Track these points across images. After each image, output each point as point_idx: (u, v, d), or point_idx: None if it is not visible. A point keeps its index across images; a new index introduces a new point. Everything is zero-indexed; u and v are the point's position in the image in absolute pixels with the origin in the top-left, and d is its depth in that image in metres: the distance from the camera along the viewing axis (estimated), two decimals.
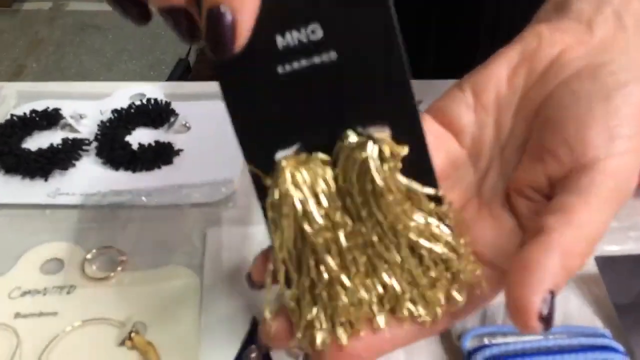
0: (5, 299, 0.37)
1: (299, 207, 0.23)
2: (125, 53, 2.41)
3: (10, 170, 0.45)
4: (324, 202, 0.23)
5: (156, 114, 0.50)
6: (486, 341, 0.35)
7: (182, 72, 1.90)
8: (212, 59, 0.22)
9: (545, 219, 0.22)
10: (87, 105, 0.51)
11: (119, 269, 0.39)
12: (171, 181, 0.45)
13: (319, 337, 0.24)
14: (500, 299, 0.37)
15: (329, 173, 0.23)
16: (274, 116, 0.23)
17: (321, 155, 0.23)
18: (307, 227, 0.23)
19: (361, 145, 0.23)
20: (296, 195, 0.23)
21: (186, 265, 0.39)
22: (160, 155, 0.46)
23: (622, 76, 0.24)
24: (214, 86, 0.56)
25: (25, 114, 0.49)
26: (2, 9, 2.72)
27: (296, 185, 0.23)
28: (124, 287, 0.38)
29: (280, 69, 0.23)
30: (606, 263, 0.38)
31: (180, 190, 0.44)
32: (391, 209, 0.23)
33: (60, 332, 0.35)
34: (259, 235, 0.42)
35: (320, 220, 0.23)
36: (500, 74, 0.27)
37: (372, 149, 0.23)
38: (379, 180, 0.23)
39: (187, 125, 0.50)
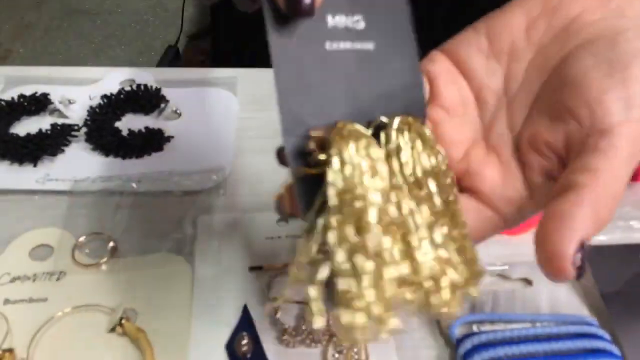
0: None
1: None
2: (114, 39, 2.38)
3: None
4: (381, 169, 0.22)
5: (146, 100, 0.49)
6: (475, 329, 0.35)
7: (172, 58, 1.88)
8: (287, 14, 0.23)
9: (574, 177, 0.23)
10: (76, 90, 0.51)
11: (109, 255, 0.39)
12: (161, 168, 0.45)
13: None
14: (488, 288, 0.38)
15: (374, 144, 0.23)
16: (316, 88, 0.24)
17: (363, 129, 0.23)
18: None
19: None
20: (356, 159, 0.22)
21: (177, 253, 0.39)
22: (150, 142, 0.46)
23: (637, 44, 0.24)
24: (205, 72, 0.56)
25: (13, 98, 0.48)
26: None
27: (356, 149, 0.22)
28: (115, 273, 0.38)
29: (328, 45, 0.24)
30: (594, 253, 0.38)
31: (170, 178, 0.44)
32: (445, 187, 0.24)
33: (51, 318, 0.35)
34: (249, 223, 0.42)
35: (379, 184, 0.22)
36: (518, 23, 0.27)
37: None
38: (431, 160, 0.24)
39: (178, 111, 0.50)
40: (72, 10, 2.55)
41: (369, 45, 0.25)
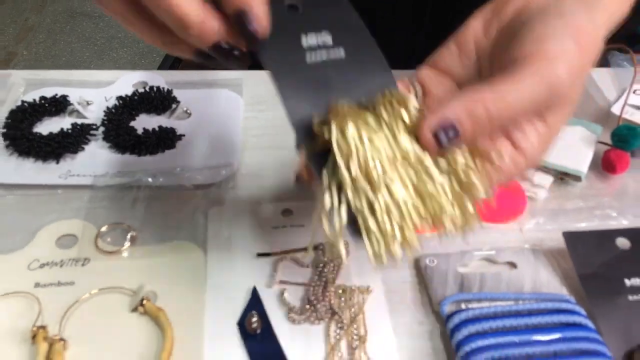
0: (25, 270, 0.40)
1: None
2: (116, 41, 2.42)
3: (23, 153, 0.48)
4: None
5: (159, 101, 0.53)
6: (463, 306, 0.38)
7: (173, 60, 1.91)
8: (251, 49, 0.28)
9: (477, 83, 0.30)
10: (93, 92, 0.54)
11: (129, 243, 0.42)
12: (174, 164, 0.48)
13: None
14: (476, 271, 0.41)
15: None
16: (308, 91, 0.30)
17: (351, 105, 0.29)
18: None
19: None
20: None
21: (191, 241, 0.43)
22: (163, 140, 0.50)
23: (567, 9, 0.31)
24: (212, 75, 0.59)
25: (34, 100, 0.52)
26: None
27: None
28: (135, 259, 0.41)
29: (308, 59, 0.30)
30: (572, 238, 0.42)
31: (183, 173, 0.48)
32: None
33: (78, 299, 0.38)
34: (257, 214, 0.45)
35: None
36: (477, 27, 0.34)
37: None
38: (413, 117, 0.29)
39: (188, 111, 0.53)
40: (74, 12, 2.58)
41: (341, 54, 0.31)
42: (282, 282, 0.41)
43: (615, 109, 0.53)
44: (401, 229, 0.27)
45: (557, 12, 0.31)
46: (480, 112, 0.28)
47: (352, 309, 0.39)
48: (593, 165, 0.49)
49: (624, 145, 0.48)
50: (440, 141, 0.28)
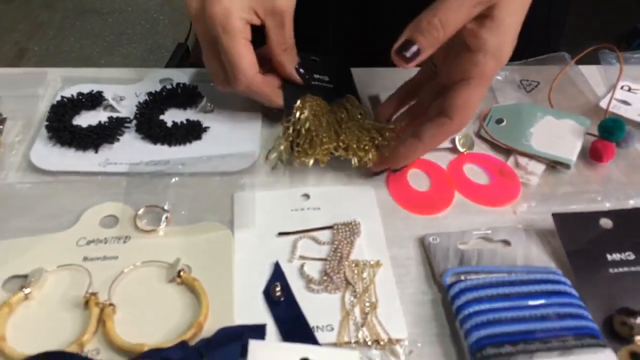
0: (74, 246, 0.45)
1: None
2: (125, 37, 2.47)
3: (65, 144, 0.53)
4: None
5: (185, 96, 0.58)
6: (462, 277, 0.44)
7: (182, 55, 1.96)
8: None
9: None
10: (124, 88, 0.59)
11: (165, 224, 0.47)
12: (201, 153, 0.53)
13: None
14: (474, 247, 0.46)
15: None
16: (301, 92, 0.55)
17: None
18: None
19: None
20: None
21: (219, 222, 0.48)
22: (191, 132, 0.55)
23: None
24: None
25: (72, 95, 0.57)
26: None
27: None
28: (170, 238, 0.46)
29: (312, 82, 0.57)
30: (561, 218, 0.47)
31: (210, 161, 0.53)
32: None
33: (123, 271, 0.43)
34: (278, 198, 0.50)
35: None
36: None
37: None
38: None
39: (211, 106, 0.58)
40: (84, 9, 2.63)
41: (331, 86, 0.58)
42: (301, 257, 0.46)
43: (603, 103, 0.58)
44: (314, 150, 0.50)
45: None
46: (424, 26, 0.42)
47: (364, 281, 0.44)
48: (581, 155, 0.54)
49: (610, 136, 0.53)
50: (405, 57, 0.44)
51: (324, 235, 0.47)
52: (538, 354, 0.38)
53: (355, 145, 0.51)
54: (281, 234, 0.48)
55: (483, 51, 0.44)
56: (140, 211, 0.48)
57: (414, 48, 0.44)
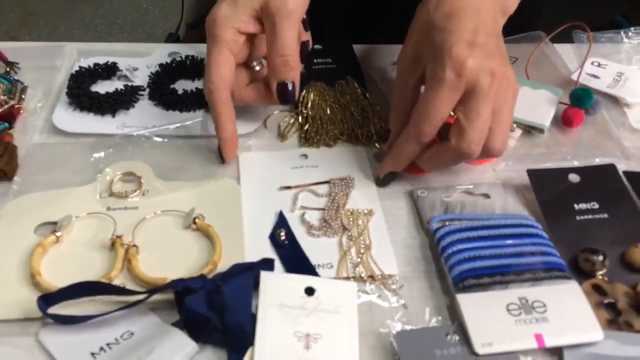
0: (98, 198, 0.50)
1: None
2: (116, 27, 2.49)
3: (85, 108, 0.57)
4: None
5: (193, 68, 0.63)
6: (447, 224, 0.49)
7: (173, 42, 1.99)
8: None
9: None
10: (135, 61, 0.64)
11: (181, 178, 0.52)
12: (210, 117, 0.58)
13: None
14: (457, 199, 0.51)
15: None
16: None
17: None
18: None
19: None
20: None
21: (229, 177, 0.53)
22: (200, 99, 0.59)
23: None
24: None
25: (89, 66, 0.61)
26: None
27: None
28: (185, 191, 0.51)
29: (314, 66, 0.63)
30: (534, 174, 0.53)
31: None
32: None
33: (144, 218, 0.48)
34: (279, 157, 0.55)
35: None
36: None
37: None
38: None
39: None
40: None
41: (334, 66, 0.64)
42: (302, 207, 0.51)
43: (574, 76, 0.63)
44: (321, 136, 0.57)
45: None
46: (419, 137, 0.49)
47: (359, 227, 0.49)
48: (554, 121, 0.59)
49: (580, 103, 0.59)
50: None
51: (322, 189, 0.53)
52: (512, 285, 0.44)
53: (359, 132, 0.58)
54: (283, 188, 0.53)
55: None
56: (157, 167, 0.53)
57: (387, 134, 0.53)
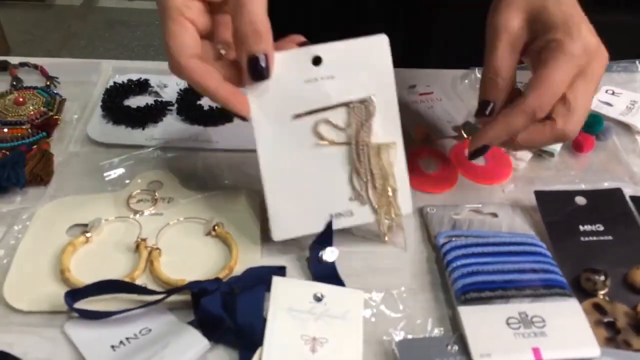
0: (126, 204, 0.54)
1: None
2: (152, 49, 2.59)
3: (117, 121, 0.62)
4: None
5: None
6: (454, 239, 0.51)
7: None
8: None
9: None
10: (167, 78, 0.68)
11: (203, 188, 0.55)
12: (232, 133, 0.62)
13: None
14: (465, 217, 0.53)
15: None
16: None
17: None
18: None
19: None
20: None
21: (246, 188, 0.56)
22: (224, 115, 0.63)
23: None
24: None
25: (123, 82, 0.66)
26: (36, 3, 2.90)
27: None
28: (207, 199, 0.54)
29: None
30: (542, 195, 0.54)
31: (238, 139, 0.61)
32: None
33: (167, 224, 0.52)
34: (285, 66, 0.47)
35: None
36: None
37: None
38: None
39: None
40: (113, 21, 2.76)
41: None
42: (323, 140, 0.48)
43: None
44: None
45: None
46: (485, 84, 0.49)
47: (380, 164, 0.49)
48: (565, 146, 0.61)
49: (590, 129, 0.61)
50: (487, 115, 0.50)
51: (340, 117, 0.48)
52: (513, 299, 0.45)
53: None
54: (297, 116, 0.47)
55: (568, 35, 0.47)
56: (181, 178, 0.56)
57: (489, 106, 0.50)
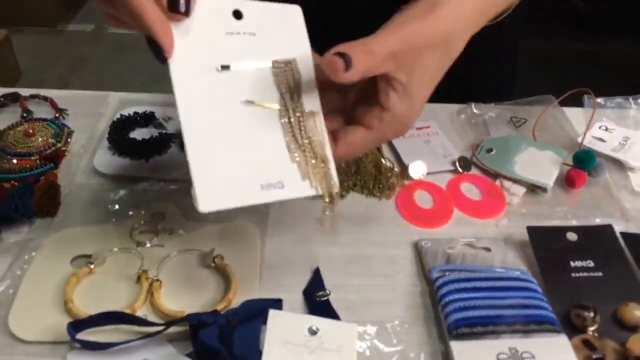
0: (129, 235, 0.55)
1: None
2: (161, 73, 2.61)
3: (123, 153, 0.63)
4: None
5: None
6: (447, 273, 0.52)
7: None
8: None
9: None
10: (172, 111, 0.70)
11: (204, 220, 0.57)
12: None
13: None
14: (459, 251, 0.55)
15: None
16: None
17: None
18: None
19: None
20: None
21: (249, 221, 0.57)
22: None
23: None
24: None
25: (129, 114, 0.68)
26: (48, 28, 2.96)
27: None
28: (208, 232, 0.56)
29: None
30: (534, 230, 0.56)
31: None
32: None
33: (168, 255, 0.53)
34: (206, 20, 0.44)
35: None
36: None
37: None
38: None
39: None
40: (123, 45, 2.81)
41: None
42: (252, 102, 0.44)
43: (580, 139, 0.67)
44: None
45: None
46: (358, 47, 0.42)
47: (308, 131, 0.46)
48: (558, 181, 0.62)
49: (582, 165, 0.62)
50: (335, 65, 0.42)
51: (265, 76, 0.45)
52: (504, 335, 0.46)
53: (371, 186, 0.61)
54: (223, 67, 0.43)
55: (391, 113, 0.45)
56: (183, 209, 0.58)
57: (347, 62, 0.41)
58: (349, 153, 0.47)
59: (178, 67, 0.41)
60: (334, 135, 0.47)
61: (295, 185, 0.44)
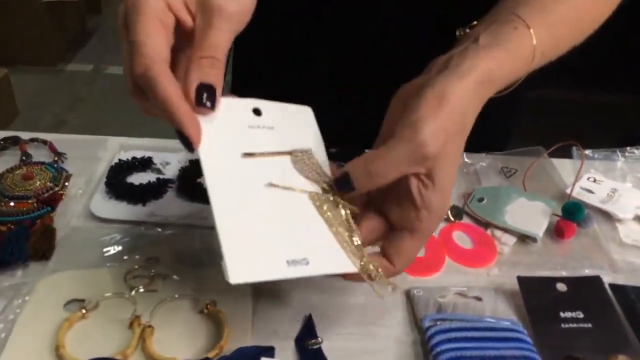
0: (123, 279, 0.56)
1: None
2: None
3: (120, 197, 0.64)
4: None
5: None
6: (439, 323, 0.53)
7: None
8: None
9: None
10: (169, 156, 0.72)
11: (199, 265, 0.58)
12: None
13: None
14: (450, 300, 0.55)
15: None
16: None
17: None
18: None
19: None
20: None
21: None
22: None
23: (437, 80, 0.45)
24: None
25: (127, 159, 0.69)
26: (48, 68, 3.00)
27: None
28: (203, 277, 0.56)
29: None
30: (524, 281, 0.56)
31: None
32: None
33: (162, 301, 0.53)
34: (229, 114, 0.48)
35: None
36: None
37: None
38: None
39: None
40: (121, 87, 2.85)
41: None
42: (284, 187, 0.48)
43: (569, 190, 0.68)
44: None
45: (429, 84, 0.44)
46: (360, 170, 0.45)
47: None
48: (548, 231, 0.64)
49: (571, 216, 0.63)
50: (340, 187, 0.47)
51: (286, 163, 0.49)
52: None
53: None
54: (246, 155, 0.47)
55: (428, 209, 0.46)
56: (178, 254, 0.58)
57: (349, 184, 0.46)
58: (407, 263, 0.49)
59: (206, 153, 0.45)
60: (381, 248, 0.49)
61: (324, 262, 0.46)
